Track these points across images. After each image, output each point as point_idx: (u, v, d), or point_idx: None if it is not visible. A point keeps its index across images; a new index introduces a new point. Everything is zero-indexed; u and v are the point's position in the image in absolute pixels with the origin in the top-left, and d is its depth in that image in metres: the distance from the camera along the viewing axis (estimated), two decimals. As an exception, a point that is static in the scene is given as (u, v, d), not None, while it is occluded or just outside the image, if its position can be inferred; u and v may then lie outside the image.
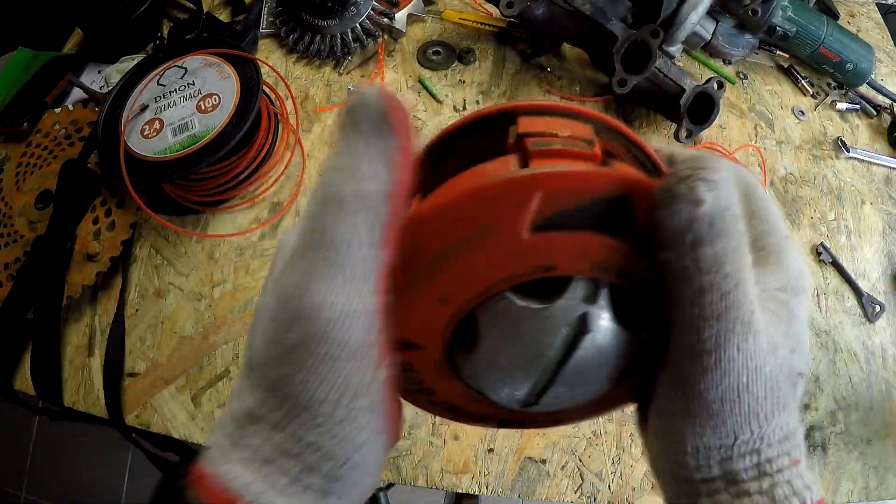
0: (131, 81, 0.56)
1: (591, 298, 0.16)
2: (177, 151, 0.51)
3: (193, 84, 0.55)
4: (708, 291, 0.16)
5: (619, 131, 0.18)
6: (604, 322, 0.16)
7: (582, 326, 0.16)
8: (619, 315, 0.17)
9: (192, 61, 0.56)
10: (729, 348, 0.16)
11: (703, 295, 0.16)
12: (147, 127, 0.53)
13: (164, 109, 0.54)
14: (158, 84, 0.55)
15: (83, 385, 0.50)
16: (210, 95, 0.54)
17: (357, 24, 0.64)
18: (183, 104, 0.54)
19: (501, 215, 0.14)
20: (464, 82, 0.67)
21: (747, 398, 0.17)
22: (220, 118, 0.52)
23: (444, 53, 0.68)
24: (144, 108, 0.54)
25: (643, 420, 0.20)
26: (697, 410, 0.17)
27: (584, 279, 0.16)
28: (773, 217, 0.19)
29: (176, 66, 0.56)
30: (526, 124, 0.16)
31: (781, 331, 0.18)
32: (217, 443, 0.16)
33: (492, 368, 0.17)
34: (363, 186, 0.14)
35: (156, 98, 0.54)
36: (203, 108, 0.53)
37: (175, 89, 0.55)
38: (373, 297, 0.15)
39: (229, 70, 0.55)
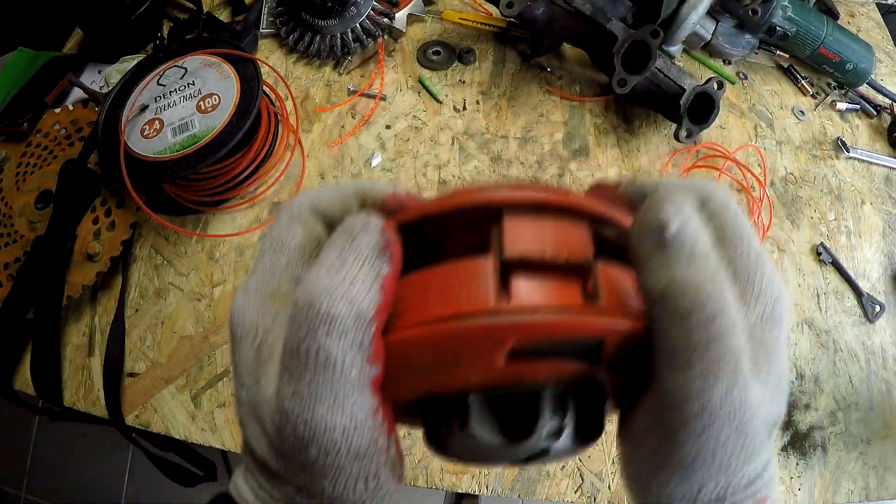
0: (131, 81, 0.56)
1: (557, 434, 0.16)
2: (177, 151, 0.51)
3: (193, 84, 0.55)
4: (687, 318, 0.15)
5: (608, 219, 0.18)
6: (566, 443, 0.17)
7: (544, 454, 0.17)
8: (581, 428, 0.17)
9: (192, 61, 0.56)
10: (713, 395, 0.15)
11: (683, 321, 0.15)
12: (147, 127, 0.53)
13: (164, 109, 0.54)
14: (158, 84, 0.55)
15: (83, 385, 0.50)
16: (210, 95, 0.54)
17: (357, 25, 0.64)
18: (183, 104, 0.54)
19: (478, 352, 0.15)
20: (464, 82, 0.67)
21: (721, 455, 0.16)
22: (220, 118, 0.52)
23: (444, 53, 0.68)
24: (144, 108, 0.54)
25: (619, 436, 0.20)
26: (667, 461, 0.17)
27: (552, 395, 0.16)
28: (745, 236, 0.17)
29: (176, 66, 0.56)
30: (512, 237, 0.16)
31: (762, 378, 0.16)
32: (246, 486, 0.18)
33: (466, 454, 0.18)
34: (357, 309, 0.15)
35: (156, 98, 0.54)
36: (203, 108, 0.53)
37: (175, 89, 0.55)
38: (369, 404, 0.16)
39: (229, 70, 0.55)
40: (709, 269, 0.15)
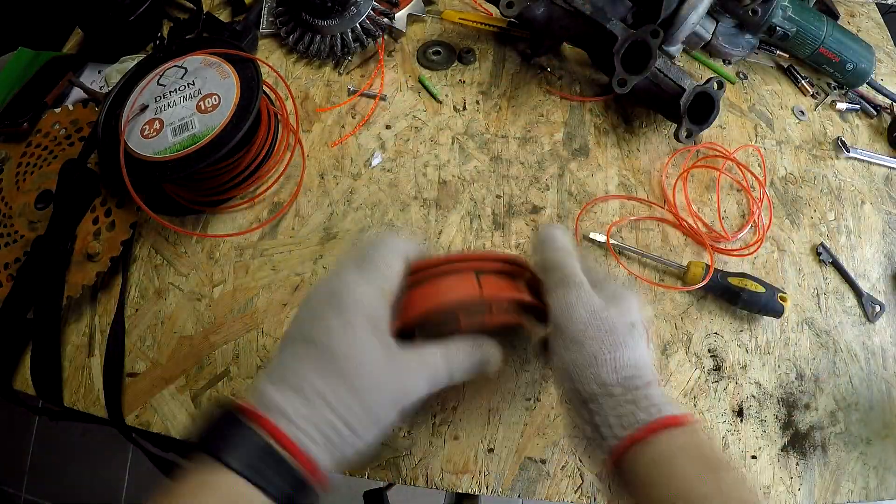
0: (131, 81, 0.56)
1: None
2: (177, 151, 0.51)
3: (193, 84, 0.55)
4: (551, 269, 0.36)
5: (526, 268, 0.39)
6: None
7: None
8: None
9: (192, 61, 0.56)
10: (569, 296, 0.33)
11: (551, 272, 0.35)
12: (147, 127, 0.53)
13: (164, 109, 0.54)
14: (158, 84, 0.55)
15: (83, 385, 0.50)
16: (210, 95, 0.54)
17: (357, 24, 0.64)
18: (183, 104, 0.54)
19: (472, 312, 0.36)
20: (464, 82, 0.67)
21: (592, 332, 0.31)
22: (220, 118, 0.52)
23: (443, 53, 0.68)
24: (144, 108, 0.54)
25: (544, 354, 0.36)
26: (566, 343, 0.32)
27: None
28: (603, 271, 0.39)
29: (176, 66, 0.56)
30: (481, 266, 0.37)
31: (618, 298, 0.34)
32: (261, 385, 0.29)
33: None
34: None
35: (156, 98, 0.54)
36: (203, 107, 0.53)
37: (175, 89, 0.55)
38: (388, 289, 0.32)
39: (229, 70, 0.55)
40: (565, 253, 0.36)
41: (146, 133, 0.53)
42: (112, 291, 0.53)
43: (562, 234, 0.37)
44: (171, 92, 0.55)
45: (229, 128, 0.52)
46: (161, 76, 0.56)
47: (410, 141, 0.62)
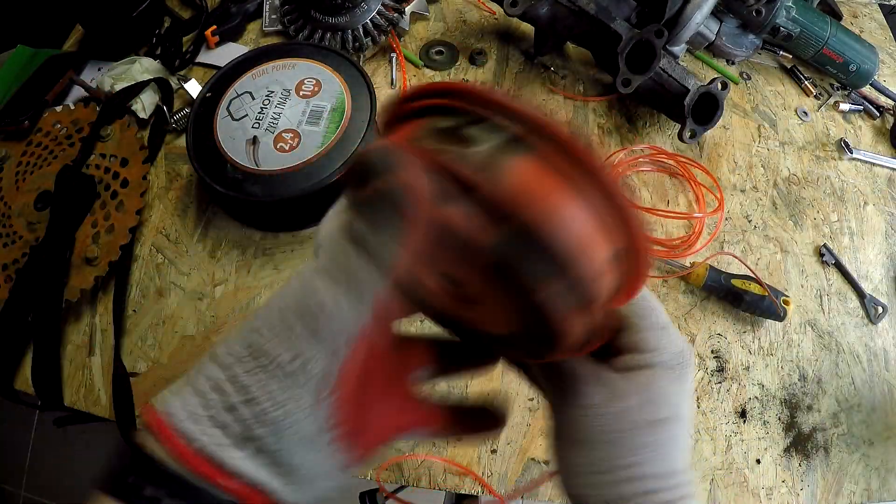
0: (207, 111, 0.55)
1: None
2: (333, 134, 0.52)
3: (271, 90, 0.55)
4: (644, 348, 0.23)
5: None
6: None
7: None
8: None
9: (242, 85, 0.56)
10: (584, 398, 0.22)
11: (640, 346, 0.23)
12: (280, 143, 0.52)
13: (276, 124, 0.53)
14: (235, 120, 0.54)
15: (83, 385, 0.50)
16: (301, 83, 0.55)
17: (368, 21, 0.64)
18: (287, 106, 0.54)
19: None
20: (467, 81, 0.66)
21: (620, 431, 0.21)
22: (335, 90, 0.54)
23: (447, 53, 0.68)
24: (255, 140, 0.53)
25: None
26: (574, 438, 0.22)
27: None
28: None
29: (232, 96, 0.55)
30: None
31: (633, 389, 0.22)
32: (176, 383, 0.19)
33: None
34: (382, 248, 0.18)
35: (254, 125, 0.53)
36: (305, 93, 0.54)
37: (261, 107, 0.54)
38: (363, 312, 0.18)
39: (286, 62, 0.57)
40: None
41: (283, 147, 0.52)
42: (113, 291, 0.53)
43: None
44: (260, 112, 0.54)
45: (355, 93, 0.54)
46: (229, 108, 0.54)
47: (413, 140, 0.62)
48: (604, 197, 0.17)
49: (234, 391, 0.17)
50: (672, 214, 0.59)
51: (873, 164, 0.67)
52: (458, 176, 0.17)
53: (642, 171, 0.62)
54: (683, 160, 0.62)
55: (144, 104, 0.61)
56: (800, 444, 0.51)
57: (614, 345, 0.23)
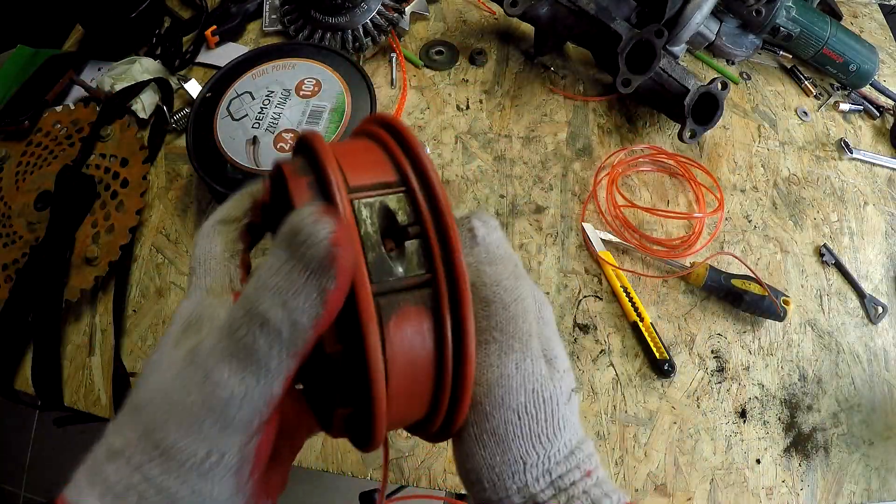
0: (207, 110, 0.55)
1: None
2: (333, 134, 0.52)
3: (271, 90, 0.55)
4: (491, 302, 0.19)
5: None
6: None
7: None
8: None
9: (242, 85, 0.55)
10: (508, 364, 0.19)
11: (487, 306, 0.19)
12: (280, 143, 0.52)
13: (277, 123, 0.53)
14: (235, 120, 0.54)
15: (83, 385, 0.50)
16: (301, 83, 0.55)
17: (368, 21, 0.64)
18: (287, 105, 0.54)
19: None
20: (467, 81, 0.66)
21: (528, 421, 0.19)
22: (335, 89, 0.54)
23: (447, 53, 0.68)
24: (255, 140, 0.53)
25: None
26: (486, 437, 0.19)
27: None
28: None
29: (232, 96, 0.55)
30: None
31: (547, 358, 0.21)
32: (77, 477, 0.17)
33: None
34: (292, 318, 0.15)
35: (254, 125, 0.53)
36: (305, 93, 0.54)
37: (261, 108, 0.54)
38: (273, 391, 0.16)
39: (287, 62, 0.56)
40: (508, 268, 0.20)
41: (283, 148, 0.52)
42: (113, 292, 0.53)
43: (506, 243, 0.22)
44: (259, 112, 0.54)
45: (353, 88, 0.54)
46: (229, 105, 0.54)
47: (413, 140, 0.62)
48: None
49: (154, 493, 0.16)
50: (672, 214, 0.59)
51: (873, 164, 0.67)
52: None
53: (642, 171, 0.62)
54: (683, 160, 0.62)
55: (144, 104, 0.61)
56: (800, 444, 0.51)
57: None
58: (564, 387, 0.20)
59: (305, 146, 0.19)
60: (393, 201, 0.18)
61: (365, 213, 0.18)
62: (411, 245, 0.18)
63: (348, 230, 0.16)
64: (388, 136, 0.20)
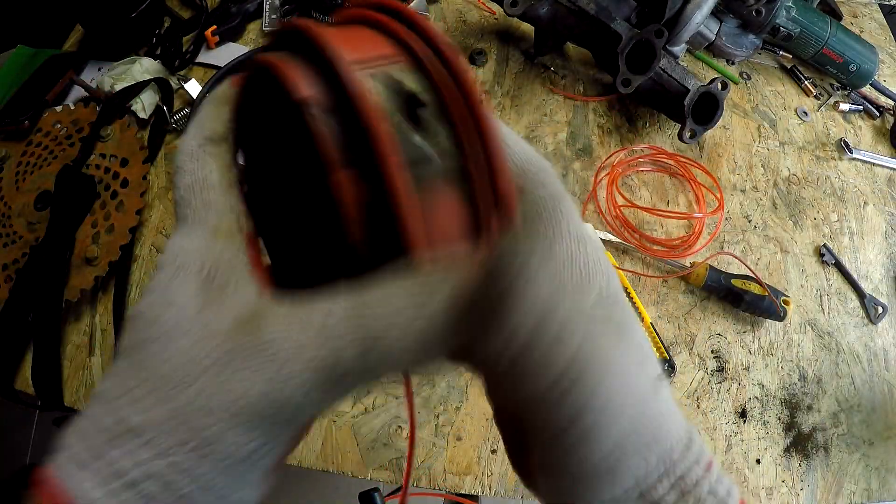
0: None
1: None
2: None
3: None
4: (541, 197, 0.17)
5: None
6: None
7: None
8: None
9: None
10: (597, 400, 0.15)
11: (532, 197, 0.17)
12: None
13: None
14: None
15: (84, 385, 0.50)
16: None
17: None
18: None
19: None
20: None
21: (636, 439, 0.16)
22: None
23: (446, 52, 0.68)
24: None
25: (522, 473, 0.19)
26: (588, 479, 0.16)
27: None
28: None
29: None
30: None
31: (622, 347, 0.16)
32: (69, 451, 0.14)
33: None
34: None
35: None
36: None
37: None
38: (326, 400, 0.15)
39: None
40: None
41: None
42: (113, 292, 0.53)
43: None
44: None
45: None
46: None
47: (413, 140, 0.62)
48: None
49: (188, 482, 0.14)
50: (672, 214, 0.59)
51: (873, 164, 0.67)
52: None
53: (642, 171, 0.62)
54: (683, 160, 0.62)
55: (144, 104, 0.60)
56: (800, 444, 0.51)
57: None
58: (650, 374, 0.17)
59: (288, 32, 0.16)
60: (397, 70, 0.15)
61: (372, 84, 0.15)
62: (427, 114, 0.15)
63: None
64: (379, 15, 0.17)
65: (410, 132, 0.15)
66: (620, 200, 0.59)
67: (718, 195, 0.60)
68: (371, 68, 0.15)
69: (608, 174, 0.61)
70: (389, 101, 0.15)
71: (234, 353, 0.14)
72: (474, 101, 0.15)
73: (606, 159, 0.62)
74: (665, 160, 0.63)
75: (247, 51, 0.60)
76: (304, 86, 0.14)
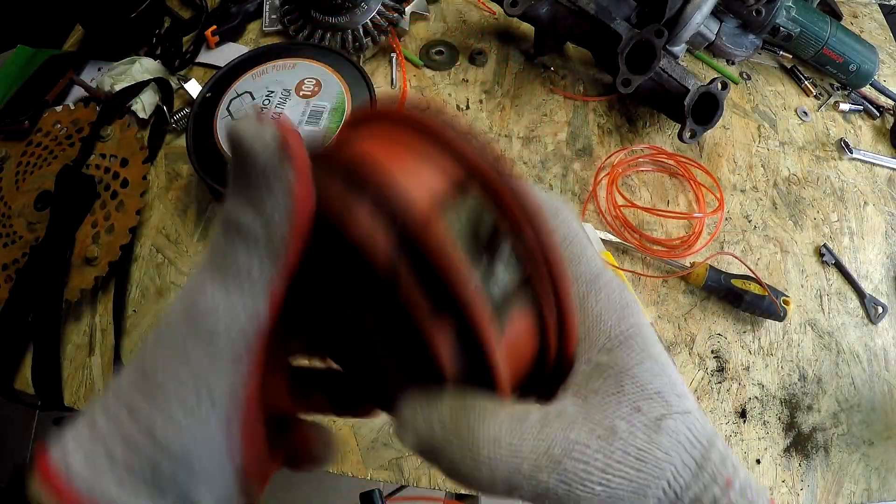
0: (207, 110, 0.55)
1: None
2: (333, 134, 0.52)
3: (271, 90, 0.55)
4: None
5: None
6: None
7: None
8: None
9: (242, 85, 0.55)
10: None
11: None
12: None
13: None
14: (235, 120, 0.53)
15: (84, 384, 0.50)
16: (301, 83, 0.55)
17: (368, 21, 0.64)
18: (286, 105, 0.54)
19: None
20: (467, 81, 0.66)
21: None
22: (335, 89, 0.54)
23: (447, 53, 0.68)
24: None
25: None
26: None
27: None
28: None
29: (232, 96, 0.55)
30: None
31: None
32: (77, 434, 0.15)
33: None
34: (263, 217, 0.15)
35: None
36: (306, 93, 0.54)
37: (261, 108, 0.54)
38: (259, 308, 0.15)
39: (287, 62, 0.56)
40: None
41: None
42: (113, 292, 0.53)
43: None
44: (262, 107, 0.54)
45: (357, 105, 0.54)
46: (229, 105, 0.54)
47: (413, 140, 0.62)
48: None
49: (137, 430, 0.15)
50: (672, 214, 0.59)
51: (873, 164, 0.67)
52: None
53: (642, 171, 0.62)
54: (683, 160, 0.62)
55: (144, 104, 0.61)
56: (800, 444, 0.51)
57: None
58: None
59: (345, 166, 0.15)
60: (471, 203, 0.16)
61: (447, 222, 0.15)
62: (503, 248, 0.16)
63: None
64: (427, 126, 0.16)
65: (491, 272, 0.15)
66: (620, 200, 0.59)
67: (718, 195, 0.60)
68: (444, 201, 0.15)
69: (608, 174, 0.61)
70: (467, 240, 0.15)
71: (173, 304, 0.16)
72: (546, 233, 0.16)
73: (606, 159, 0.62)
74: (665, 160, 0.63)
75: (247, 50, 0.60)
76: (386, 249, 0.14)
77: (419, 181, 0.15)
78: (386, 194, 0.14)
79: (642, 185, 0.61)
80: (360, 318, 0.17)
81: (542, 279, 0.16)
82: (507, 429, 0.15)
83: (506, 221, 0.16)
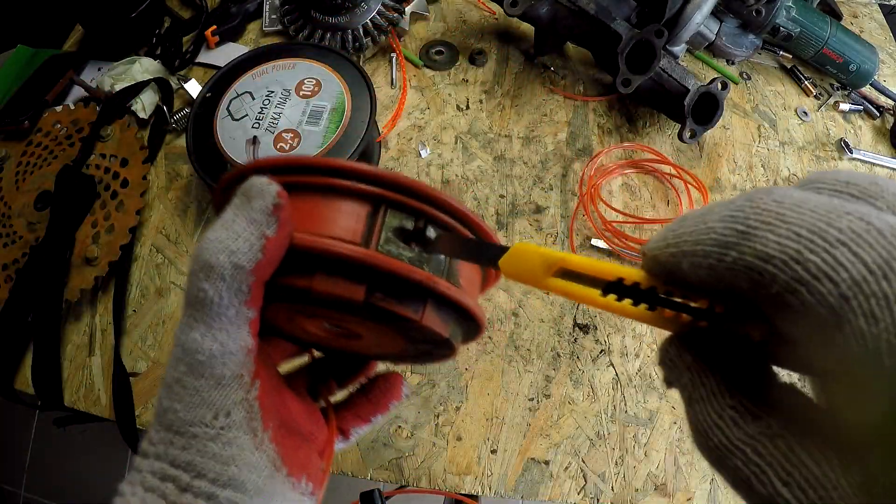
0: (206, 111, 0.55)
1: None
2: (333, 134, 0.52)
3: (271, 90, 0.55)
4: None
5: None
6: None
7: None
8: None
9: (242, 85, 0.55)
10: None
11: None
12: (280, 143, 0.52)
13: (276, 123, 0.53)
14: (235, 120, 0.54)
15: (83, 384, 0.50)
16: (301, 83, 0.54)
17: (368, 21, 0.64)
18: (287, 106, 0.54)
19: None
20: (467, 81, 0.66)
21: None
22: (334, 89, 0.54)
23: (447, 53, 0.68)
24: (255, 140, 0.52)
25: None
26: None
27: None
28: None
29: (232, 96, 0.55)
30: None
31: None
32: (122, 489, 0.18)
33: None
34: (234, 260, 0.17)
35: (254, 125, 0.53)
36: (305, 93, 0.54)
37: (262, 107, 0.54)
38: (244, 340, 0.18)
39: (287, 62, 0.56)
40: None
41: (284, 147, 0.52)
42: (113, 292, 0.53)
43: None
44: (259, 112, 0.54)
45: (355, 91, 0.54)
46: (229, 104, 0.54)
47: (413, 140, 0.62)
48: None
49: (184, 473, 0.17)
50: (664, 221, 0.59)
51: (873, 164, 0.67)
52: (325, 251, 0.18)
53: (641, 171, 0.62)
54: (679, 169, 0.62)
55: (144, 104, 0.61)
56: (800, 444, 0.51)
57: None
58: None
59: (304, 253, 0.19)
60: (394, 219, 0.20)
61: (390, 247, 0.19)
62: (431, 237, 0.20)
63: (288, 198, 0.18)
64: (317, 178, 0.20)
65: (427, 251, 0.20)
66: (611, 215, 0.59)
67: (717, 195, 0.60)
68: (379, 237, 0.19)
69: (587, 191, 0.60)
70: (400, 241, 0.19)
71: (169, 360, 0.19)
72: (427, 191, 0.20)
73: (594, 157, 0.62)
74: (661, 165, 0.63)
75: (247, 50, 0.60)
76: (357, 291, 0.18)
77: (341, 230, 0.19)
78: (329, 258, 0.18)
79: (642, 185, 0.61)
80: (333, 321, 0.22)
81: (442, 216, 0.20)
82: None
83: (411, 209, 0.20)
